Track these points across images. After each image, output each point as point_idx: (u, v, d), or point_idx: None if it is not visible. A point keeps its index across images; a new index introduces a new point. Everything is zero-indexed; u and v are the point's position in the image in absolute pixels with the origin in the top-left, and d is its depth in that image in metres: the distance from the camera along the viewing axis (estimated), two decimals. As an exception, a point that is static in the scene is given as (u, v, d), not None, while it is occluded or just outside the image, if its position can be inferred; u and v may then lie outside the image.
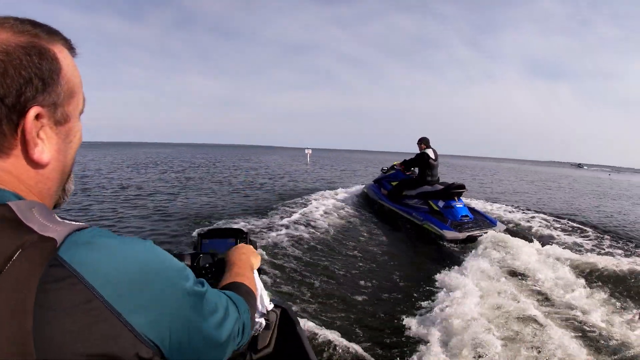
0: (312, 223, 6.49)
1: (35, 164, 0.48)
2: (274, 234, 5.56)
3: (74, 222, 0.46)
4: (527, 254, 4.81)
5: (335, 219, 7.05)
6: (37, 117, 0.46)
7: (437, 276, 4.08)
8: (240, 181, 13.38)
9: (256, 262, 0.95)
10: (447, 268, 4.34)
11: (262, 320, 0.96)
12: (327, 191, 10.58)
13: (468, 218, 6.35)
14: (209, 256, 1.02)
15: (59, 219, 0.45)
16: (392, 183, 7.92)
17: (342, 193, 10.07)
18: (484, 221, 6.33)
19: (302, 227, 6.14)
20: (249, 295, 0.74)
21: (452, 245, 5.77)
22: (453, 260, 4.95)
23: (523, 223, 7.51)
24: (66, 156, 0.53)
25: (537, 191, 15.98)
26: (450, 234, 5.75)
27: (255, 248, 1.07)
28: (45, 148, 0.48)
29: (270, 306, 0.98)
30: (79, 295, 0.39)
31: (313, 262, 4.61)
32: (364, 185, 9.95)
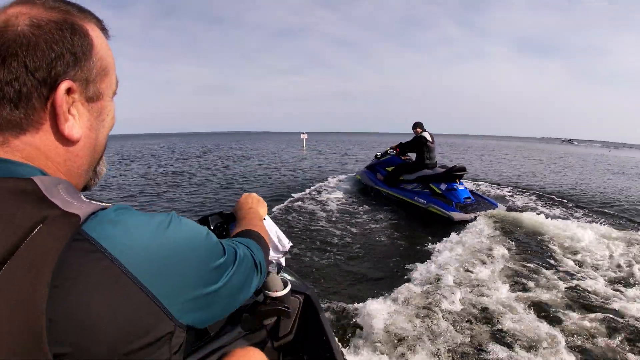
0: (314, 211, 6.46)
1: (66, 140, 0.47)
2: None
3: (99, 202, 0.45)
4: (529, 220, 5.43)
5: (334, 206, 6.89)
6: (69, 91, 0.46)
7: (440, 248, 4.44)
8: (233, 173, 12.11)
9: (263, 210, 1.00)
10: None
11: (282, 260, 1.03)
12: (331, 179, 10.11)
13: (470, 200, 6.38)
14: (217, 216, 1.02)
15: (85, 199, 0.45)
16: (387, 169, 7.87)
17: (342, 181, 9.83)
18: (486, 203, 6.40)
19: (302, 216, 6.10)
20: (259, 238, 0.76)
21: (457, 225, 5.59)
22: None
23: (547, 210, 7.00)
24: (98, 134, 0.53)
25: (555, 172, 14.74)
26: (458, 215, 5.80)
27: None
28: (76, 124, 0.48)
29: (289, 245, 1.02)
30: (107, 270, 0.38)
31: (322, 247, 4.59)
32: (355, 173, 9.85)
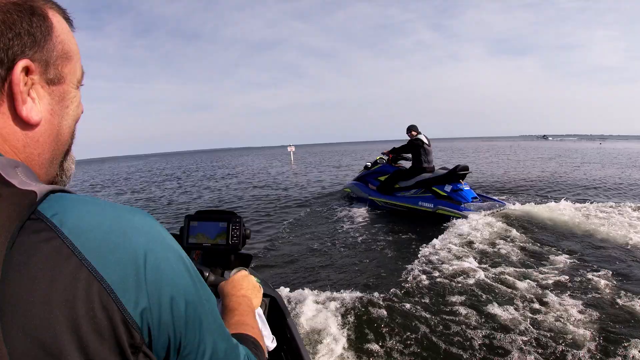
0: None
1: (24, 124, 0.44)
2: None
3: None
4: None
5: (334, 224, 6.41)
6: (27, 72, 0.43)
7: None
8: (219, 198, 10.22)
9: (257, 301, 0.87)
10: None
11: None
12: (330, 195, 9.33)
13: (478, 200, 6.22)
14: (199, 271, 0.78)
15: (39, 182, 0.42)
16: (379, 178, 7.55)
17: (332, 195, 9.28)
18: (494, 203, 6.17)
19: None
20: (256, 349, 0.67)
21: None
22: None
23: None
24: (61, 121, 0.49)
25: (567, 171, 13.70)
26: (472, 215, 5.58)
27: (248, 237, 1.03)
28: (35, 107, 0.45)
29: (273, 345, 0.87)
30: (57, 250, 0.36)
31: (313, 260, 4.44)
32: (343, 186, 9.46)
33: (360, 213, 6.86)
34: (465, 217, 5.55)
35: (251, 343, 0.67)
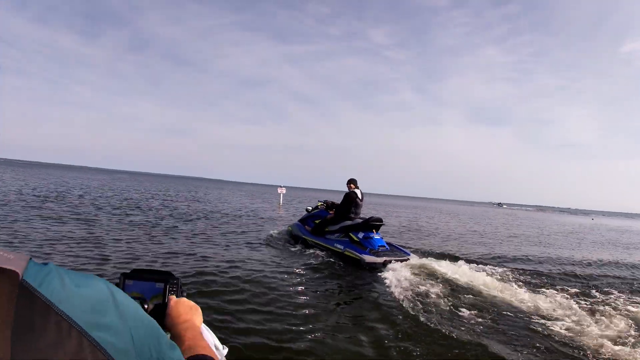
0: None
1: None
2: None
3: (17, 252, 0.43)
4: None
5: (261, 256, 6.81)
6: None
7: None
8: (203, 256, 6.73)
9: (199, 319, 0.88)
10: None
11: None
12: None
13: (385, 248, 6.90)
14: (138, 301, 0.72)
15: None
16: (315, 221, 8.30)
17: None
18: (399, 252, 6.97)
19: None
20: None
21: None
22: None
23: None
24: None
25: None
26: (369, 258, 6.36)
27: (183, 295, 0.98)
28: None
29: (225, 351, 0.92)
30: (58, 325, 0.39)
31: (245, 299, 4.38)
32: (288, 225, 9.95)
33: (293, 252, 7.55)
34: (363, 260, 6.34)
35: None
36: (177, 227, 9.81)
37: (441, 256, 7.81)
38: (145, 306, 0.90)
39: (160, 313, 0.88)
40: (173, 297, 0.92)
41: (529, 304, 5.03)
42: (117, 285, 0.91)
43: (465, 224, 21.78)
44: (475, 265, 7.26)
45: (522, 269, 7.54)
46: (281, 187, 20.47)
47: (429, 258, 7.03)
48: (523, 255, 9.91)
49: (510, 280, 6.34)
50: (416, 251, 8.36)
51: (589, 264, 9.52)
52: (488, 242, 12.97)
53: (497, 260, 8.66)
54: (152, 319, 0.55)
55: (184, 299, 0.90)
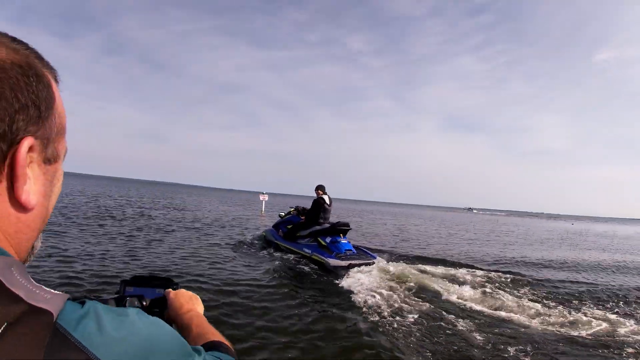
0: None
1: (21, 207, 0.39)
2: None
3: (56, 291, 0.39)
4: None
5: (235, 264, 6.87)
6: (30, 150, 0.39)
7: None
8: (190, 274, 6.31)
9: (201, 307, 0.89)
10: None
11: None
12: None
13: (351, 252, 7.13)
14: (136, 299, 0.87)
15: (37, 284, 0.38)
16: (288, 227, 8.58)
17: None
18: (366, 255, 7.19)
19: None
20: (227, 350, 0.68)
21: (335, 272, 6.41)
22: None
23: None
24: (49, 202, 0.45)
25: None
26: (333, 261, 6.58)
27: None
28: (32, 189, 0.40)
29: None
30: None
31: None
32: (263, 231, 10.25)
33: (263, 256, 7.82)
34: (328, 263, 6.55)
35: (222, 347, 0.68)
36: (155, 238, 9.02)
37: (412, 259, 8.63)
38: (144, 303, 0.89)
39: (160, 307, 0.88)
40: (171, 291, 0.92)
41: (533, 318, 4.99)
42: (117, 292, 0.94)
43: (448, 229, 22.23)
44: (441, 267, 7.72)
45: (521, 278, 7.48)
46: (263, 194, 19.82)
47: (399, 262, 7.69)
48: (529, 263, 9.98)
49: (485, 285, 6.55)
50: (388, 254, 8.94)
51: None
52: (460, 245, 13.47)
53: (461, 263, 8.83)
54: (185, 342, 0.50)
55: (183, 290, 0.91)
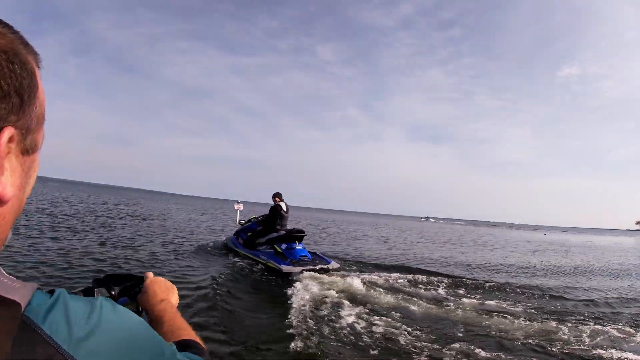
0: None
1: None
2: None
3: (24, 282, 0.38)
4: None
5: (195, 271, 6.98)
6: (8, 140, 0.37)
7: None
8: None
9: (175, 298, 0.86)
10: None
11: None
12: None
13: (307, 258, 7.41)
14: (104, 290, 0.86)
15: (9, 275, 0.38)
16: (247, 234, 8.76)
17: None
18: (321, 260, 7.49)
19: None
20: (198, 350, 0.64)
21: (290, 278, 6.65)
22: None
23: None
24: (24, 194, 0.44)
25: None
26: (286, 268, 6.75)
27: None
28: (9, 180, 0.38)
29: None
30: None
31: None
32: (224, 238, 10.42)
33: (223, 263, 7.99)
34: (281, 270, 6.70)
35: (195, 347, 0.64)
36: (121, 255, 8.09)
37: (364, 265, 9.34)
38: (113, 292, 0.87)
39: (134, 292, 0.86)
40: (150, 275, 0.90)
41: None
42: (90, 289, 0.89)
43: (402, 236, 24.22)
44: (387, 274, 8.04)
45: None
46: (238, 202, 18.89)
47: (352, 268, 8.38)
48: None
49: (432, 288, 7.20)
50: (342, 259, 9.46)
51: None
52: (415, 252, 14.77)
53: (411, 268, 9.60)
54: (158, 340, 0.48)
55: (160, 278, 0.88)
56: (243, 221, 9.55)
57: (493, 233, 42.37)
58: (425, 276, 8.11)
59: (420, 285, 7.32)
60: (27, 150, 0.40)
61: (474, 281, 8.21)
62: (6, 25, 0.38)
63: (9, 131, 0.35)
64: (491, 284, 8.10)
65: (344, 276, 6.90)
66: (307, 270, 6.78)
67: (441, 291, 6.99)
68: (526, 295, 7.43)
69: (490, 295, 7.04)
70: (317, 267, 6.98)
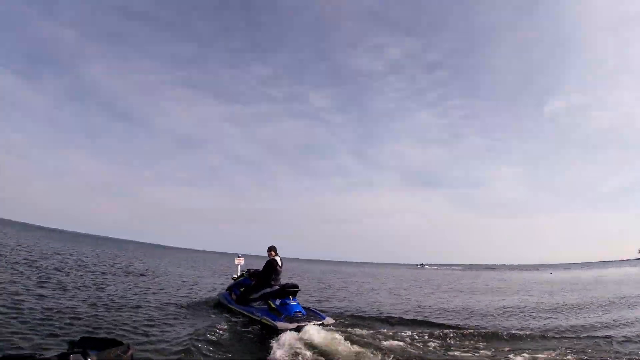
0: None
1: None
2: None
3: None
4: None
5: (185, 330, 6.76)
6: None
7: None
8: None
9: None
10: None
11: None
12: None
13: (301, 314, 7.25)
14: (80, 356, 0.88)
15: None
16: (240, 289, 8.67)
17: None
18: (315, 316, 7.31)
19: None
20: None
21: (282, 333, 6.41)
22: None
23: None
24: None
25: None
26: (281, 324, 6.65)
27: None
28: None
29: None
30: None
31: None
32: (217, 294, 10.35)
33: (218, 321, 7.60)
34: (276, 327, 6.64)
35: None
36: (110, 317, 7.19)
37: (361, 319, 8.96)
38: (89, 359, 0.86)
39: None
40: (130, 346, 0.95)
41: None
42: (65, 354, 0.90)
43: (400, 286, 23.36)
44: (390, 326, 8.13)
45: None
46: (239, 256, 17.89)
47: (347, 322, 8.11)
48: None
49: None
50: (337, 314, 9.11)
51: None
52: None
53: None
54: None
55: None
56: (235, 276, 9.34)
57: (498, 277, 41.32)
58: (452, 330, 7.55)
59: (450, 341, 6.82)
60: None
61: (516, 332, 7.65)
62: None
63: None
64: (528, 332, 7.65)
65: (342, 332, 6.65)
66: (301, 327, 6.57)
67: (485, 351, 6.24)
68: (574, 340, 7.11)
69: (540, 346, 6.51)
70: (312, 322, 6.80)
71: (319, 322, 6.91)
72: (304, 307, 7.58)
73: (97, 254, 28.17)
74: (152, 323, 7.04)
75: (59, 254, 22.12)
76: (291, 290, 7.55)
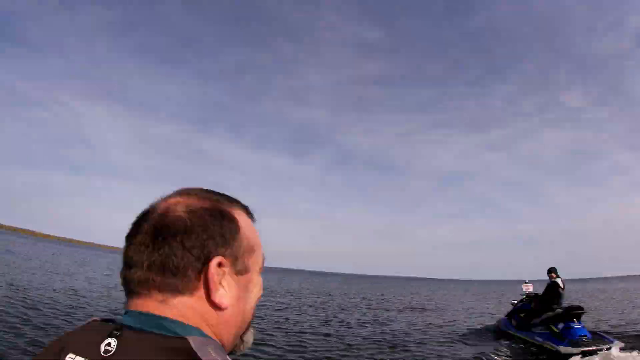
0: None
1: (216, 307, 0.52)
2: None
3: None
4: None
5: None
6: (219, 265, 0.52)
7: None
8: None
9: None
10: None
11: None
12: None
13: (586, 337, 6.78)
14: None
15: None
16: (520, 315, 8.46)
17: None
18: (602, 340, 6.73)
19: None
20: None
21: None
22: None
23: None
24: (245, 305, 0.57)
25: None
26: (564, 349, 6.48)
27: None
28: (226, 294, 0.53)
29: None
30: None
31: None
32: (496, 321, 9.99)
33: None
34: (559, 351, 6.49)
35: None
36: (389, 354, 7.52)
37: None
38: None
39: None
40: None
41: None
42: None
43: None
44: None
45: None
46: (526, 282, 14.79)
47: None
48: None
49: None
50: (633, 337, 7.82)
51: None
52: None
53: None
54: None
55: None
56: (514, 301, 9.26)
57: None
58: None
59: None
60: (240, 271, 0.55)
61: None
62: (210, 191, 0.58)
63: (217, 259, 0.51)
64: None
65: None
66: (587, 351, 6.30)
67: None
68: None
69: None
70: (599, 347, 6.40)
71: (606, 347, 6.44)
72: (589, 331, 7.15)
73: (380, 293, 29.84)
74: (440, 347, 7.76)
75: (345, 294, 24.54)
76: (576, 312, 7.24)
